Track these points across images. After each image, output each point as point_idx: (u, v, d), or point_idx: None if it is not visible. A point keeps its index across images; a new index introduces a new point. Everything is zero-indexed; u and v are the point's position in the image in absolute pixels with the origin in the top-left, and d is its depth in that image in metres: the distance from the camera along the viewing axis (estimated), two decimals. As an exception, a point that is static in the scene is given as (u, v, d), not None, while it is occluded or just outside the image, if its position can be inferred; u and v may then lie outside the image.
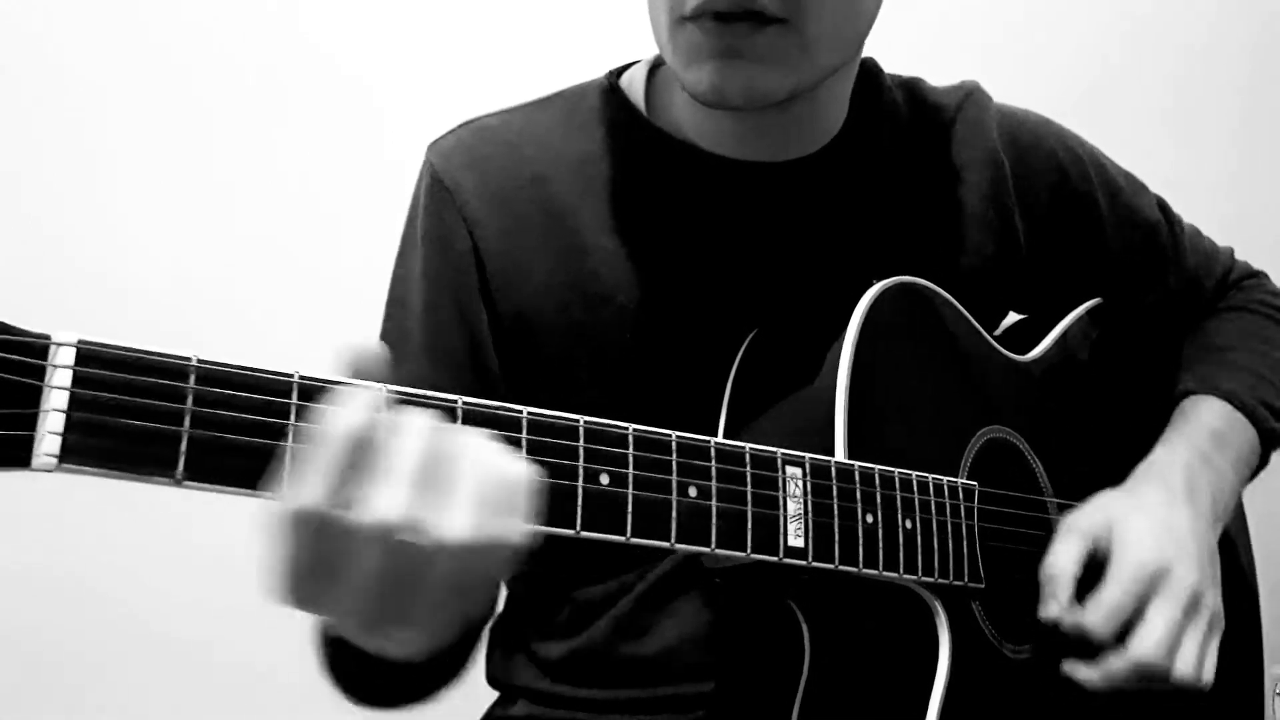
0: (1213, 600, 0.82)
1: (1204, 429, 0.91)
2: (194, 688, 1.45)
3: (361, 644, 0.52)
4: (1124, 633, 0.78)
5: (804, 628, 0.75)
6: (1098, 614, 0.78)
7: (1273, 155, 2.01)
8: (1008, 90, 0.97)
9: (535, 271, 0.82)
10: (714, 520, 0.62)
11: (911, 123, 0.91)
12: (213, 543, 1.15)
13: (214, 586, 1.23)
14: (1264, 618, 1.02)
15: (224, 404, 0.46)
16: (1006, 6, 1.86)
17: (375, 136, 1.53)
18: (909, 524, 0.72)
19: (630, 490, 0.58)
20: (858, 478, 0.69)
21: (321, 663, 0.74)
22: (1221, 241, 1.07)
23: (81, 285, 1.43)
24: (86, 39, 1.47)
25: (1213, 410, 0.93)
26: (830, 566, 0.67)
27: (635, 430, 0.59)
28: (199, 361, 0.46)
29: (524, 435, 0.55)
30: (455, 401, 0.53)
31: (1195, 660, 0.79)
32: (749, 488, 0.64)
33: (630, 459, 0.59)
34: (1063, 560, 0.80)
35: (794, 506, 0.66)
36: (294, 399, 0.48)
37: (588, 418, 0.58)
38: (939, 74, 0.97)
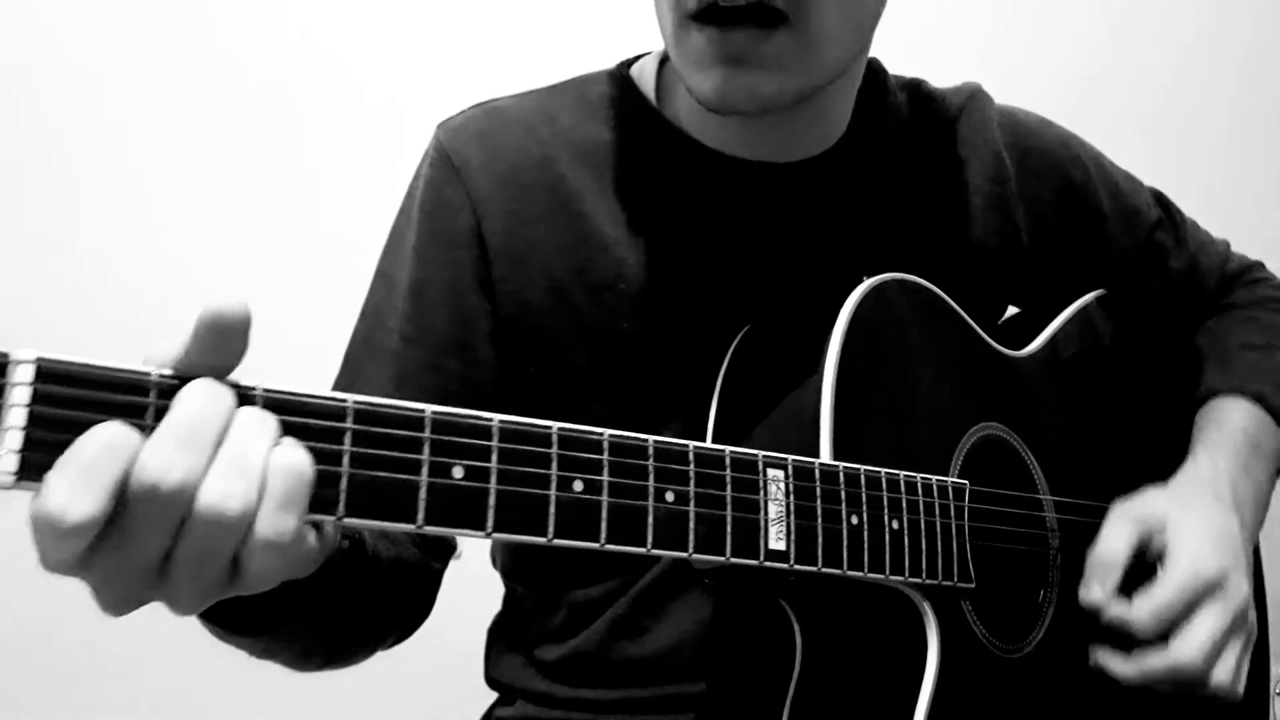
0: (1253, 615, 0.82)
1: (1241, 436, 0.91)
2: (194, 688, 1.47)
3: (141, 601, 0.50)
4: (1164, 633, 0.78)
5: (795, 628, 0.75)
6: (1146, 610, 0.78)
7: (1267, 154, 2.00)
8: (1007, 91, 0.97)
9: (537, 254, 0.82)
10: (692, 525, 0.61)
11: (915, 124, 0.92)
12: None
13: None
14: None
15: (185, 418, 0.46)
16: (1006, 8, 1.85)
17: (376, 138, 1.53)
18: (895, 524, 0.71)
19: (605, 497, 0.58)
20: (842, 479, 0.69)
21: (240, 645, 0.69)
22: (1220, 237, 1.07)
23: (80, 287, 1.45)
24: (85, 40, 1.48)
25: (1245, 414, 0.93)
26: (813, 569, 0.67)
27: (610, 436, 0.59)
28: (159, 375, 0.46)
29: (495, 443, 0.55)
30: (423, 411, 0.53)
31: (1234, 672, 0.79)
32: (729, 491, 0.63)
33: (605, 465, 0.58)
34: (1115, 546, 0.80)
35: (775, 509, 0.65)
36: (259, 409, 0.49)
37: (561, 424, 0.57)
38: (939, 75, 0.97)
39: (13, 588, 1.23)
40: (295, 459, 0.48)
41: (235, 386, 0.48)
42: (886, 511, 0.71)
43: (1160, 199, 1.03)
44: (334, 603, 0.69)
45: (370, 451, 0.51)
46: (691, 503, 0.61)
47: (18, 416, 0.43)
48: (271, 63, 1.56)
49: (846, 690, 0.74)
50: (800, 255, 0.85)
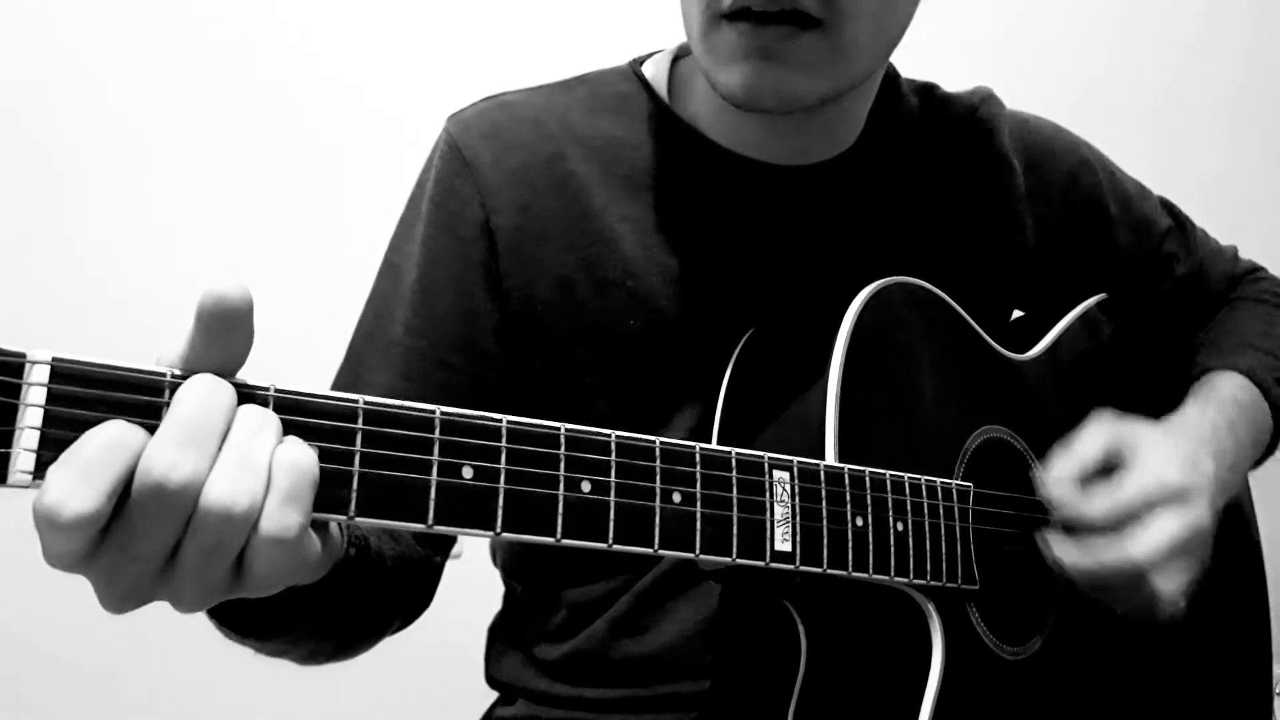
0: (1209, 556, 0.80)
1: (1229, 398, 0.91)
2: (194, 688, 1.47)
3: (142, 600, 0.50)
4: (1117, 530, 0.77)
5: (800, 629, 0.75)
6: (1102, 502, 0.77)
7: (1268, 154, 2.01)
8: (1008, 91, 0.97)
9: (547, 250, 0.81)
10: (698, 526, 0.62)
11: (927, 128, 0.92)
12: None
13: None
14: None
15: (199, 418, 0.47)
16: (1008, 9, 1.86)
17: (381, 135, 1.53)
18: (900, 526, 0.71)
19: (612, 498, 0.58)
20: (847, 481, 0.69)
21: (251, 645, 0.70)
22: (1224, 242, 1.07)
23: (84, 287, 1.45)
24: (86, 42, 1.48)
25: (1234, 383, 0.93)
26: (818, 570, 0.67)
27: (618, 437, 0.59)
28: (173, 375, 0.47)
29: (503, 444, 0.55)
30: (433, 412, 0.53)
31: (1179, 586, 0.77)
32: (735, 493, 0.64)
33: (613, 466, 0.59)
34: (1087, 445, 0.80)
35: (781, 511, 0.66)
36: (270, 409, 0.49)
37: (569, 425, 0.57)
38: (940, 75, 0.97)
39: (12, 589, 1.24)
40: (300, 455, 0.48)
41: (246, 386, 0.48)
42: (891, 513, 0.71)
43: (1170, 208, 1.03)
44: (342, 606, 0.70)
45: (381, 452, 0.51)
46: (698, 504, 0.62)
47: (34, 416, 0.43)
48: (273, 60, 1.56)
49: (851, 691, 0.74)
50: (810, 258, 0.86)
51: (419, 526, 0.52)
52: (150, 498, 0.45)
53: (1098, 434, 0.81)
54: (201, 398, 0.46)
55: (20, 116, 1.45)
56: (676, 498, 0.61)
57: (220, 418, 0.46)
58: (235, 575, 0.49)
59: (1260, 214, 1.81)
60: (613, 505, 0.58)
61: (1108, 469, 0.80)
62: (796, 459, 0.67)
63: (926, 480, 0.74)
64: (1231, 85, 2.01)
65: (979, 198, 0.91)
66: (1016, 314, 0.99)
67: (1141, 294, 1.01)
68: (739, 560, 0.63)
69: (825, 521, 0.67)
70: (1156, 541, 0.76)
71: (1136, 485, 0.78)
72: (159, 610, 0.51)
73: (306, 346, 1.06)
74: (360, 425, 0.51)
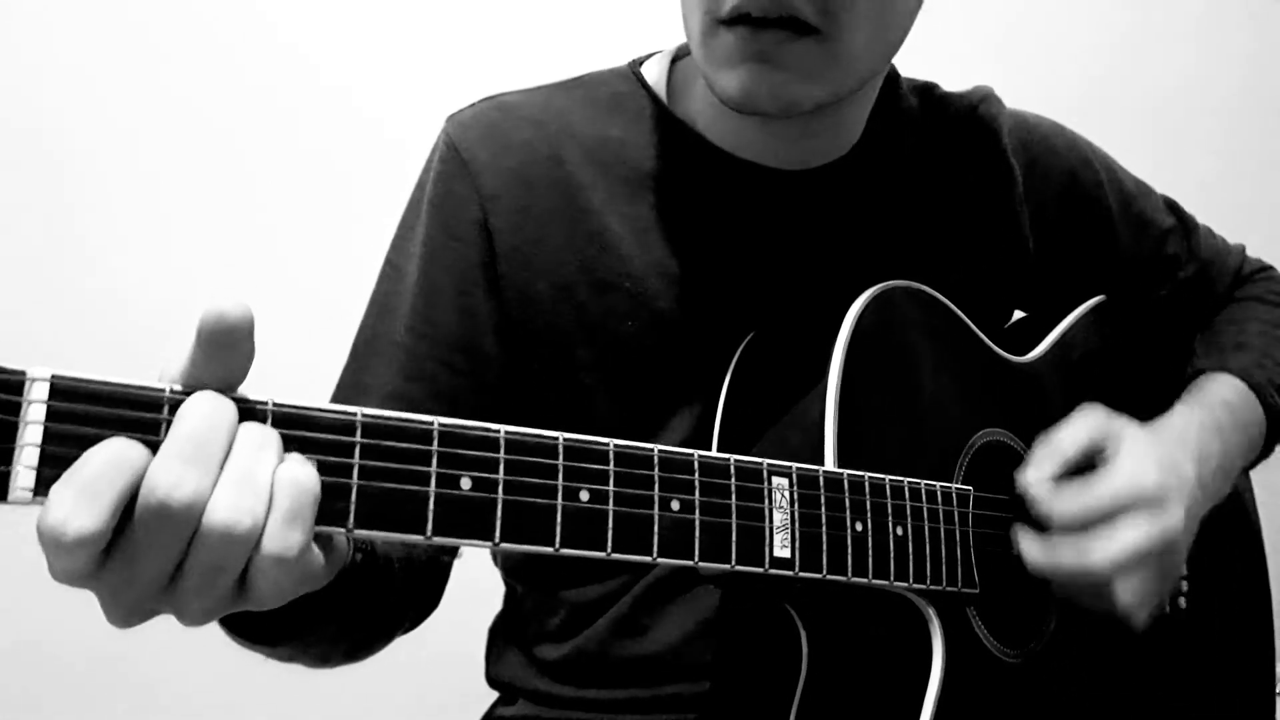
0: (1181, 565, 0.80)
1: (1219, 401, 0.90)
2: (193, 688, 1.47)
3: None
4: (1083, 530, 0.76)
5: (801, 633, 0.75)
6: (1071, 502, 0.76)
7: (1270, 155, 2.00)
8: (1010, 91, 0.97)
9: (544, 250, 0.82)
10: (697, 534, 0.62)
11: (927, 128, 0.92)
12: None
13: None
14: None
15: (198, 433, 0.47)
16: (1011, 9, 1.85)
17: (378, 142, 1.53)
18: (900, 531, 0.72)
19: (610, 506, 0.58)
20: (846, 486, 0.69)
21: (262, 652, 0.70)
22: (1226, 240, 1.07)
23: (90, 301, 1.45)
24: (87, 47, 1.48)
25: (1225, 385, 0.93)
26: (817, 576, 0.67)
27: (616, 446, 0.59)
28: (173, 391, 0.47)
29: (502, 455, 0.55)
30: (431, 423, 0.53)
31: (1139, 596, 0.75)
32: (734, 500, 0.64)
33: (611, 475, 0.59)
34: (1068, 438, 0.79)
35: (780, 517, 0.66)
36: (269, 425, 0.49)
37: (567, 434, 0.58)
38: (942, 75, 0.97)
39: (12, 589, 1.24)
40: (302, 474, 0.48)
41: (245, 401, 0.49)
42: (891, 518, 0.71)
43: (1173, 207, 1.03)
44: (350, 612, 0.70)
45: (379, 464, 0.52)
46: (697, 511, 0.62)
47: (34, 434, 0.43)
48: (273, 65, 1.56)
49: (852, 695, 0.74)
50: (809, 261, 0.86)
51: (418, 538, 0.52)
52: (153, 516, 0.45)
53: (1081, 427, 0.80)
54: (204, 415, 0.46)
55: (19, 117, 1.46)
56: (675, 506, 0.61)
57: (223, 435, 0.47)
58: (239, 591, 0.49)
59: (1261, 214, 1.81)
60: (611, 514, 0.58)
61: (1088, 464, 0.79)
62: (795, 465, 0.67)
63: (926, 484, 0.74)
64: (1233, 85, 2.00)
65: (979, 198, 0.91)
66: (1018, 315, 0.99)
67: (1143, 295, 1.00)
68: (738, 567, 0.63)
69: (824, 527, 0.68)
70: (1118, 550, 0.74)
71: (1108, 487, 0.77)
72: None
73: (309, 349, 1.06)
74: (359, 438, 0.51)
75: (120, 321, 1.46)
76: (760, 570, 0.64)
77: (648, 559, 0.60)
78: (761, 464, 0.66)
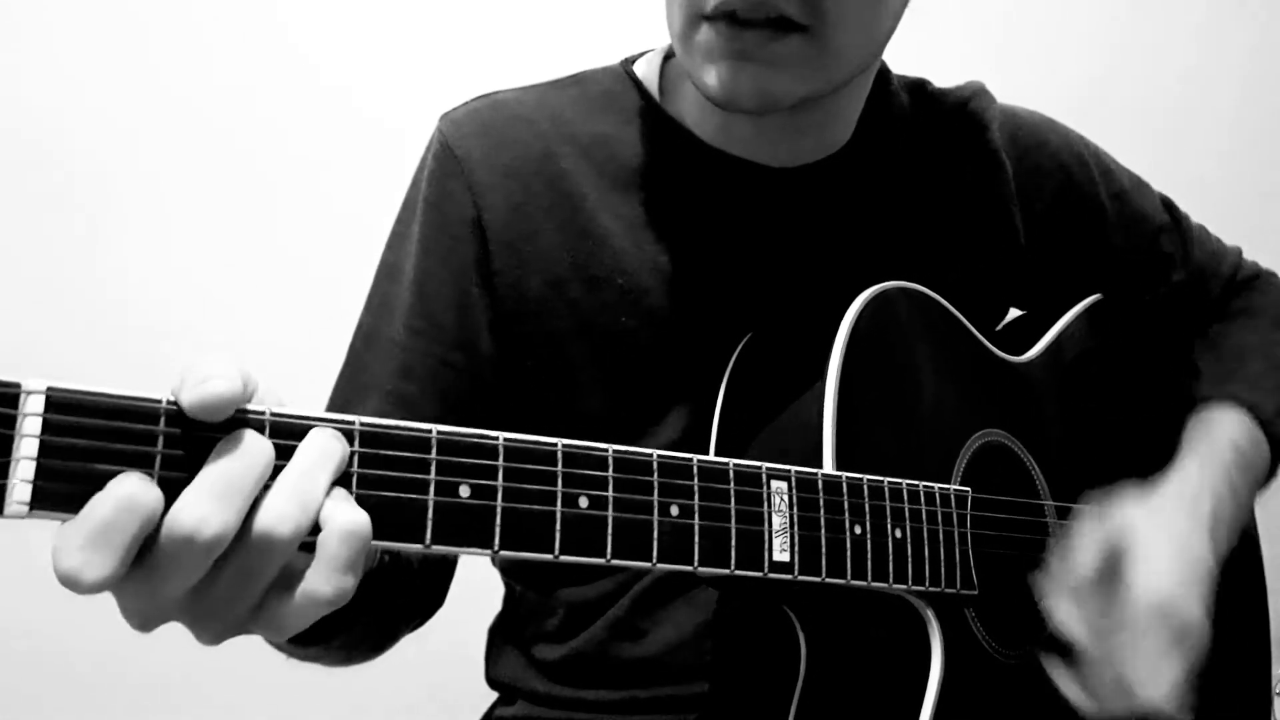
0: (1203, 635, 0.80)
1: (1230, 447, 0.89)
2: (193, 687, 1.47)
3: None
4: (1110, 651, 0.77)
5: (800, 634, 0.75)
6: (1101, 640, 0.77)
7: (1271, 156, 2.00)
8: (1011, 91, 0.97)
9: (538, 247, 0.82)
10: (696, 539, 0.62)
11: (918, 125, 0.91)
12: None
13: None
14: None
15: (195, 444, 0.46)
16: (1010, 8, 1.85)
17: (374, 142, 1.53)
18: (898, 533, 0.71)
19: (610, 512, 0.58)
20: (845, 489, 0.69)
21: (288, 651, 0.72)
22: (1225, 240, 1.06)
23: (100, 311, 1.45)
24: (88, 53, 1.47)
25: (1235, 425, 0.91)
26: (816, 579, 0.67)
27: (615, 452, 0.59)
28: (168, 403, 0.47)
29: (500, 462, 0.55)
30: (429, 431, 0.53)
31: (1171, 690, 0.76)
32: (733, 504, 0.64)
33: (610, 481, 0.59)
34: (1081, 561, 0.79)
35: (779, 521, 0.66)
36: (267, 435, 0.49)
37: (566, 440, 0.57)
38: (942, 75, 0.97)
39: (12, 588, 1.24)
40: (357, 519, 0.49)
41: (241, 411, 0.48)
42: (890, 521, 0.71)
43: (1168, 205, 1.03)
44: (377, 613, 0.71)
45: (377, 473, 0.51)
46: (696, 516, 0.62)
47: (30, 447, 0.43)
48: (270, 64, 1.55)
49: (851, 697, 0.74)
50: (802, 260, 0.86)
51: (416, 547, 0.52)
52: (177, 549, 0.45)
53: (1088, 544, 0.80)
54: (242, 449, 0.47)
55: (19, 118, 1.45)
56: (674, 510, 0.61)
57: (257, 471, 0.47)
58: (256, 615, 0.49)
59: (1262, 214, 1.81)
60: (610, 520, 0.58)
61: (1110, 566, 0.79)
62: (794, 469, 0.67)
63: (925, 486, 0.74)
64: (1233, 84, 2.00)
65: (971, 195, 0.91)
66: (1015, 313, 0.99)
67: (1137, 293, 1.00)
68: (738, 571, 0.63)
69: (823, 530, 0.67)
70: (1166, 686, 0.75)
71: (1133, 614, 0.76)
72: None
73: (308, 349, 1.05)
74: (356, 447, 0.51)
75: (120, 322, 1.45)
76: (759, 574, 0.64)
77: (647, 564, 0.60)
78: (760, 468, 0.65)
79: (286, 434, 0.49)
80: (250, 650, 0.66)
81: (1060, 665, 0.78)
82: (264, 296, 1.51)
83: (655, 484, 0.60)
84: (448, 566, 0.84)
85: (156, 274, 1.49)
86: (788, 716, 0.75)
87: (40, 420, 0.43)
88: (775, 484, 0.66)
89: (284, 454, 0.49)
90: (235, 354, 0.49)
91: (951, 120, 0.92)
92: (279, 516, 0.47)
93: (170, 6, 1.51)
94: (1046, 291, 0.96)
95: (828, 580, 0.67)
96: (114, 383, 0.46)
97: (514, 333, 0.82)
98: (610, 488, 0.58)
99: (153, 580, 0.46)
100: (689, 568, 0.61)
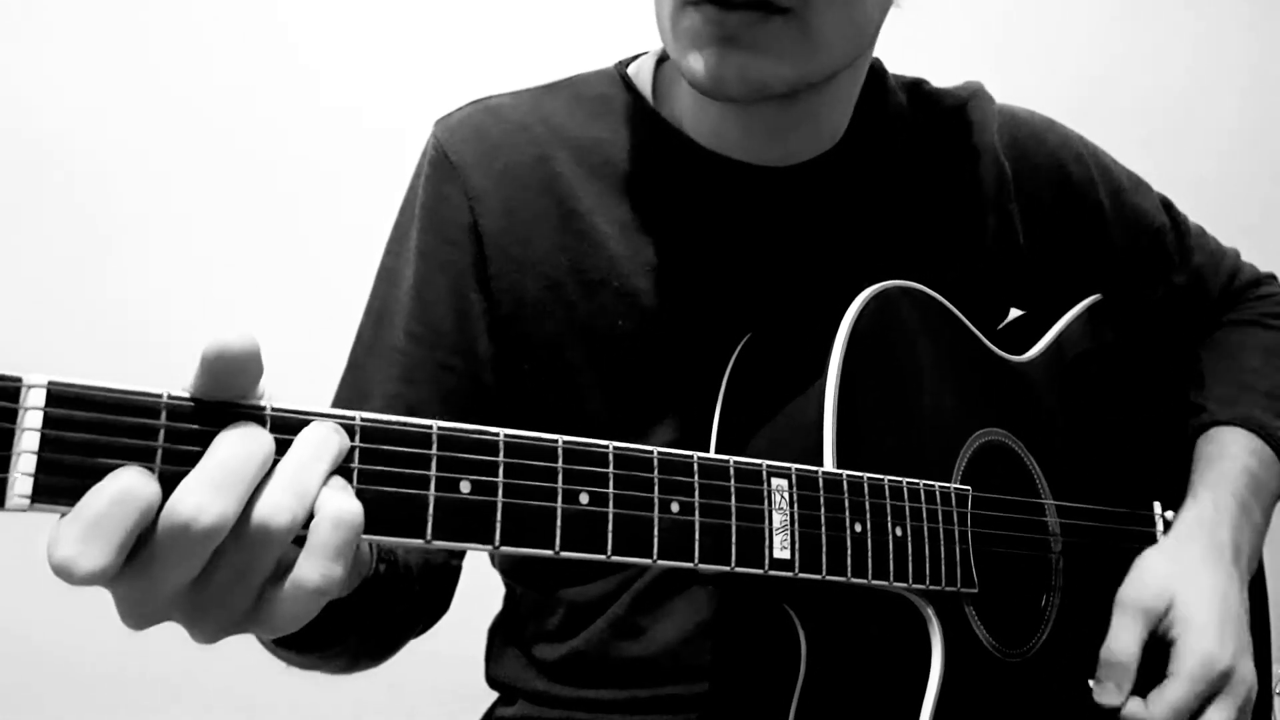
0: (1254, 693, 0.83)
1: (1243, 472, 0.91)
2: (191, 688, 1.47)
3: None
4: None
5: (800, 632, 0.75)
6: (1162, 711, 0.79)
7: (1271, 156, 2.00)
8: (1011, 92, 0.97)
9: (534, 251, 0.82)
10: (697, 535, 0.62)
11: (915, 125, 0.91)
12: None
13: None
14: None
15: (195, 439, 0.47)
16: (1010, 8, 1.85)
17: (373, 148, 1.53)
18: (899, 531, 0.71)
19: (610, 509, 0.58)
20: (845, 487, 0.69)
21: (285, 659, 0.72)
22: (1224, 242, 1.06)
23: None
24: (89, 59, 1.47)
25: (1247, 448, 0.93)
26: (817, 577, 0.67)
27: (615, 448, 0.59)
28: (169, 397, 0.47)
29: (501, 458, 0.55)
30: (430, 426, 0.53)
31: None
32: (733, 501, 0.63)
33: (610, 477, 0.58)
34: (1125, 645, 0.81)
35: (780, 518, 0.66)
36: (268, 430, 0.49)
37: (567, 437, 0.57)
38: (942, 75, 0.97)
39: (12, 588, 1.24)
40: (348, 506, 0.48)
41: (243, 406, 0.48)
42: (890, 519, 0.71)
43: (1167, 205, 1.02)
44: (373, 623, 0.71)
45: (378, 468, 0.51)
46: (697, 513, 0.62)
47: (31, 440, 0.43)
48: (269, 70, 1.56)
49: (851, 695, 0.74)
50: (798, 260, 0.86)
51: (417, 542, 0.52)
52: (174, 539, 0.45)
53: (1128, 624, 0.82)
54: (237, 440, 0.47)
55: (19, 119, 1.45)
56: (675, 507, 0.61)
57: (256, 463, 0.47)
58: (254, 612, 0.49)
59: (1261, 215, 1.81)
60: (611, 516, 0.58)
61: (1157, 637, 0.83)
62: (795, 466, 0.67)
63: (925, 485, 0.74)
64: (1233, 86, 2.00)
65: (970, 194, 0.91)
66: (1015, 313, 0.99)
67: (1137, 294, 1.00)
68: (738, 569, 0.63)
69: (824, 528, 0.67)
70: None
71: (1187, 681, 0.80)
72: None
73: (308, 354, 1.05)
74: (357, 442, 0.51)
75: (121, 323, 1.45)
76: (760, 571, 0.64)
77: (648, 561, 0.60)
78: (761, 465, 0.65)
79: (286, 429, 0.49)
80: (250, 650, 0.67)
81: None
82: (263, 299, 1.51)
83: (656, 480, 0.60)
84: (450, 573, 0.84)
85: (156, 274, 1.49)
86: (788, 715, 0.75)
87: (41, 414, 0.43)
88: (776, 481, 0.66)
89: (284, 449, 0.49)
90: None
91: (949, 120, 0.92)
92: (275, 507, 0.47)
93: (170, 8, 1.51)
94: (1046, 291, 0.96)
95: (828, 578, 0.67)
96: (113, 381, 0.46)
97: (512, 336, 0.82)
98: (611, 484, 0.58)
99: (150, 573, 0.45)
100: (690, 565, 0.61)
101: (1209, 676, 0.80)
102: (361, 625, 0.68)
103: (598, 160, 0.84)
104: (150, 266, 1.50)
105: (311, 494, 0.48)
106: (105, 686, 1.47)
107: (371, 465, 0.51)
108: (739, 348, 0.81)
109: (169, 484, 0.45)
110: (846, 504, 0.69)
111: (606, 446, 0.59)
